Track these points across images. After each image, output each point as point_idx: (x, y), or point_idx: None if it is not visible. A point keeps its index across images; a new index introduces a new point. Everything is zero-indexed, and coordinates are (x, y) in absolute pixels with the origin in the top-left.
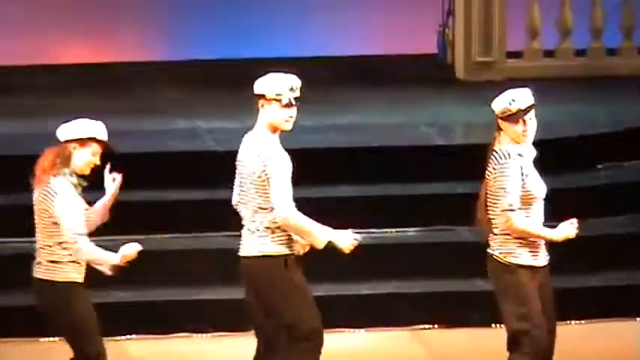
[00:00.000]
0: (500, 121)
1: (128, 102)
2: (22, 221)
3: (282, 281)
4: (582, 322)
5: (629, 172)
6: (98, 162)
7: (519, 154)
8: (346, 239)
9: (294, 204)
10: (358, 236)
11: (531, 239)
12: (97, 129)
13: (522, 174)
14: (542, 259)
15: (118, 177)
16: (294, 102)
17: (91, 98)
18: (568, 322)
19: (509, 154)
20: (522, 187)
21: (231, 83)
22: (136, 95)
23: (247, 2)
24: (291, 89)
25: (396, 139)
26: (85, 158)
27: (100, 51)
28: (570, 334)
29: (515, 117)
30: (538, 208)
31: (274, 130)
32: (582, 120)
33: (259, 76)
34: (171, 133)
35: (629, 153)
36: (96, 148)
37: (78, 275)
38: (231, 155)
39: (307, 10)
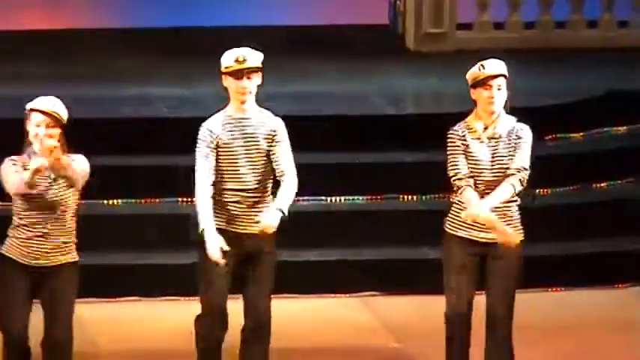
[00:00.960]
0: (471, 90)
1: (81, 69)
2: None
3: None
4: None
5: (577, 144)
6: (45, 134)
7: (470, 129)
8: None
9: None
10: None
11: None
12: (37, 100)
13: (462, 147)
14: (484, 233)
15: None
16: (243, 74)
17: (44, 65)
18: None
19: (454, 129)
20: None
21: (181, 51)
22: (89, 62)
23: None
24: (237, 61)
25: (347, 108)
26: (30, 131)
27: (54, 18)
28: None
29: (482, 82)
30: (480, 186)
31: (234, 106)
32: (531, 91)
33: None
34: (124, 99)
35: (577, 125)
36: (37, 118)
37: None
38: (182, 122)
39: None
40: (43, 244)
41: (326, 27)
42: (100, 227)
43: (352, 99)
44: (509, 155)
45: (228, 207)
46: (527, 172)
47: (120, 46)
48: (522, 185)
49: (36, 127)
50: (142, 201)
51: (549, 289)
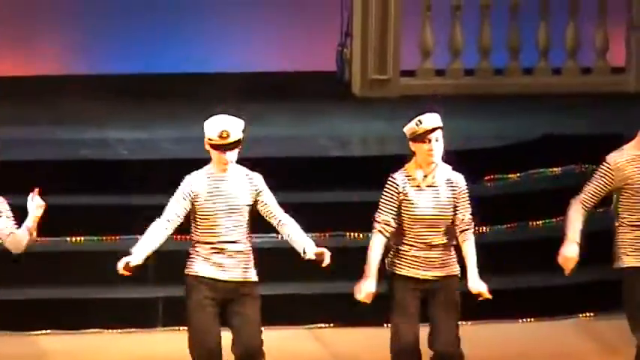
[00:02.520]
0: (410, 143)
1: (43, 112)
2: None
3: None
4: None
5: (514, 184)
6: None
7: (409, 177)
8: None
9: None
10: None
11: (409, 253)
12: None
13: (396, 197)
14: (417, 271)
15: (37, 198)
16: (226, 147)
17: (7, 108)
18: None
19: (394, 177)
20: (400, 207)
21: (142, 96)
22: (52, 106)
23: (161, 19)
24: (221, 136)
25: (296, 150)
26: None
27: (17, 64)
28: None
29: (421, 137)
30: (413, 229)
31: (216, 168)
32: (471, 135)
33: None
34: (84, 142)
35: (514, 166)
36: None
37: None
38: (141, 164)
39: (218, 27)
40: None
41: (277, 73)
42: (62, 263)
43: (301, 141)
44: (448, 201)
45: (206, 257)
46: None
47: (82, 91)
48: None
49: None
50: (103, 238)
51: (487, 321)
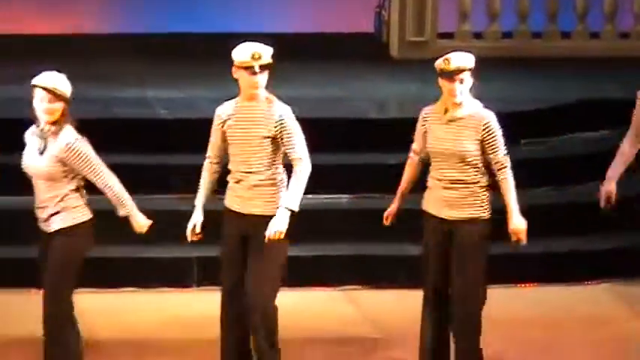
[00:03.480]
0: (439, 78)
1: (82, 71)
2: None
3: None
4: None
5: (551, 148)
6: (47, 108)
7: (434, 112)
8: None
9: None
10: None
11: (433, 190)
12: (40, 76)
13: (422, 129)
14: (439, 210)
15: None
16: (257, 70)
17: (47, 68)
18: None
19: (423, 110)
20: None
21: (181, 56)
22: (90, 64)
23: None
24: (253, 57)
25: (332, 111)
26: (35, 106)
27: (58, 23)
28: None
29: (447, 75)
30: (437, 165)
31: (244, 96)
32: (508, 98)
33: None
34: (123, 101)
35: (549, 130)
36: (39, 93)
37: None
38: (179, 123)
39: None
40: None
41: (315, 34)
42: (102, 221)
43: (337, 103)
44: (468, 136)
45: (232, 186)
46: (508, 158)
47: (122, 49)
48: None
49: (39, 102)
50: (140, 197)
51: (521, 285)
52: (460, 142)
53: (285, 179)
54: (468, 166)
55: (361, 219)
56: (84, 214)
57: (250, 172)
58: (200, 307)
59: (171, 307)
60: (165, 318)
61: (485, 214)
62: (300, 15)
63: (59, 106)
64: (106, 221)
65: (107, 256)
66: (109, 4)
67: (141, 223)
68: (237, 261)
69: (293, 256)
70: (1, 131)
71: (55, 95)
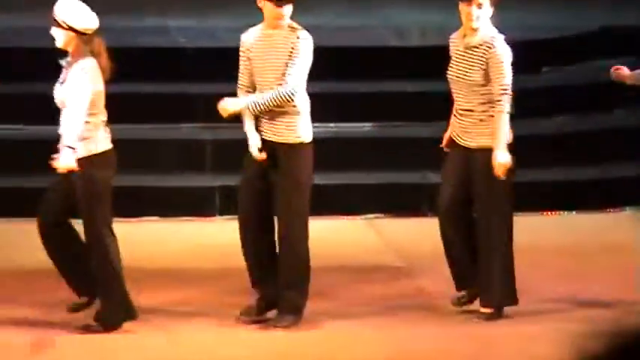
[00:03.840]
0: (458, 3)
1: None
2: None
3: None
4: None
5: (570, 76)
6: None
7: (454, 38)
8: None
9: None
10: None
11: (455, 116)
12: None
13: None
14: (457, 137)
15: None
16: (283, 2)
17: None
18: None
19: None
20: None
21: None
22: None
23: None
24: None
25: (353, 39)
26: None
27: None
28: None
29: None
30: (453, 92)
31: (268, 24)
32: (530, 26)
33: None
34: (143, 29)
35: (571, 57)
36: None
37: None
38: (199, 52)
39: None
40: None
41: None
42: (123, 150)
43: (358, 31)
44: (477, 64)
45: (256, 118)
46: (509, 89)
47: None
48: (509, 102)
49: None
50: (161, 126)
51: (544, 213)
52: (468, 71)
53: (308, 107)
54: (476, 95)
55: (383, 147)
56: (100, 145)
57: None
58: (223, 237)
59: (194, 237)
60: (187, 247)
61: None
62: None
63: (62, 33)
64: (130, 150)
65: (130, 185)
66: None
67: (62, 162)
68: (249, 201)
69: (316, 185)
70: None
71: (57, 23)
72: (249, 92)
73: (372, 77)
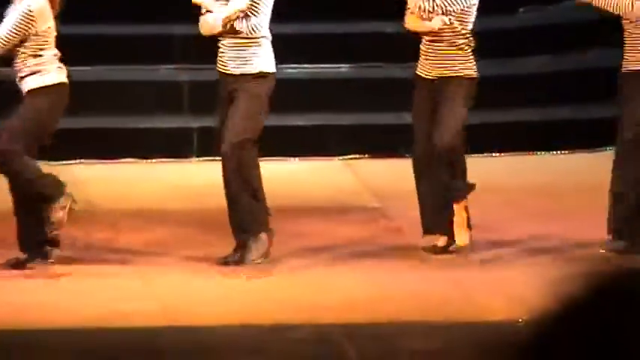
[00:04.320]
0: None
1: None
2: None
3: None
4: (508, 154)
5: (548, 15)
6: None
7: None
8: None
9: None
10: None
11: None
12: None
13: None
14: (425, 70)
15: None
16: None
17: None
18: (494, 154)
19: None
20: None
21: None
22: None
23: None
24: None
25: None
26: None
27: None
28: (496, 165)
29: None
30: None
31: None
32: None
33: None
34: None
35: None
36: None
37: None
38: None
39: None
40: None
41: None
42: (100, 92)
43: None
44: None
45: (218, 47)
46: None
47: None
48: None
49: None
50: (141, 67)
51: (525, 153)
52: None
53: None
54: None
55: (360, 88)
56: (49, 78)
57: (228, 33)
58: (200, 178)
59: (172, 178)
60: (165, 188)
61: (465, 72)
62: None
63: None
64: (107, 92)
65: (107, 126)
66: None
67: None
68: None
69: (293, 126)
70: None
71: None
72: None
73: (350, 18)
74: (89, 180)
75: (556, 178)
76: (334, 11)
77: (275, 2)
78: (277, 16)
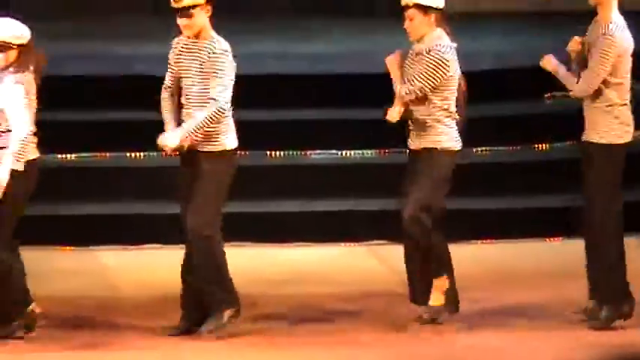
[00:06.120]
0: None
1: (99, 27)
2: None
3: None
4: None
5: (574, 102)
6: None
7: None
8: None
9: None
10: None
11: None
12: None
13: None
14: (410, 140)
15: None
16: (179, 12)
17: (64, 23)
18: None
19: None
20: None
21: None
22: (107, 21)
23: None
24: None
25: (355, 66)
26: None
27: None
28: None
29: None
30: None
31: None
32: (530, 51)
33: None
34: (140, 57)
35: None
36: None
37: None
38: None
39: None
40: None
41: None
42: (122, 178)
43: (362, 57)
44: (414, 71)
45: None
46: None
47: (138, 5)
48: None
49: None
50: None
51: (480, 242)
52: (409, 78)
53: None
54: (417, 101)
55: (386, 174)
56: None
57: (188, 106)
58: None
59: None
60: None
61: (438, 144)
62: None
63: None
64: (130, 178)
65: (129, 212)
66: None
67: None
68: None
69: (319, 212)
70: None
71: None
72: (172, 96)
73: (374, 104)
74: (114, 266)
75: (509, 266)
76: (359, 97)
77: (301, 89)
78: (304, 103)
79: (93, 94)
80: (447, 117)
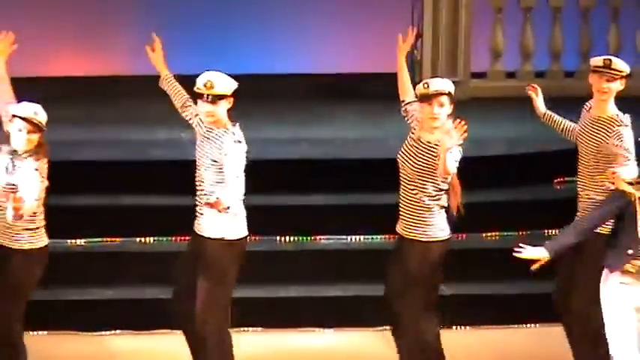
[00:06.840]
0: (418, 103)
1: (113, 113)
2: None
3: None
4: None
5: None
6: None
7: (412, 134)
8: None
9: None
10: None
11: None
12: (18, 107)
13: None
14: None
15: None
16: (205, 97)
17: (77, 108)
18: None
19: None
20: None
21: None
22: (121, 106)
23: (229, 20)
24: (203, 85)
25: (365, 151)
26: (12, 134)
27: (88, 64)
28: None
29: (426, 98)
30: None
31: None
32: (540, 137)
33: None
34: (154, 142)
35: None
36: (18, 124)
37: None
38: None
39: (287, 28)
40: None
41: (347, 75)
42: (132, 263)
43: (370, 142)
44: (423, 160)
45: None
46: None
47: (151, 91)
48: None
49: (18, 132)
50: (172, 239)
51: (489, 327)
52: (414, 164)
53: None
54: (413, 187)
55: None
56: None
57: (201, 193)
58: (239, 350)
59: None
60: None
61: (423, 237)
62: (335, 56)
63: (36, 137)
64: (145, 264)
65: (139, 297)
66: (135, 45)
67: None
68: (181, 283)
69: (328, 297)
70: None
71: (34, 125)
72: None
73: (389, 188)
74: (124, 352)
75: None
76: (367, 182)
77: (310, 174)
78: (312, 187)
79: (105, 179)
80: (438, 205)
